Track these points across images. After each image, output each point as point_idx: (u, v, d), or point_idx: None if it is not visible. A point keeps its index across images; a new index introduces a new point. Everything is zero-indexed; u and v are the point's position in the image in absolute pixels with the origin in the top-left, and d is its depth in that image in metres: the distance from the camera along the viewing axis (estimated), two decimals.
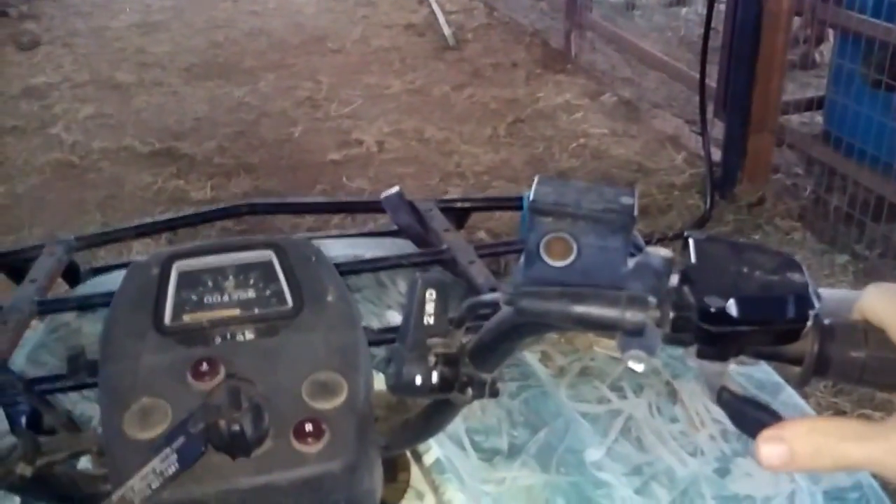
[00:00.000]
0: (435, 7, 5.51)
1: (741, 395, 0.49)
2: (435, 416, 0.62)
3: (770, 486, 0.84)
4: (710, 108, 3.23)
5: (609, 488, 0.82)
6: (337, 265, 1.07)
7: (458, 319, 0.54)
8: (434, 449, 0.74)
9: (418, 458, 0.74)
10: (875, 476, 0.90)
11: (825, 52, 4.09)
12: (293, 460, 0.55)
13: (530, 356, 1.01)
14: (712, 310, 0.43)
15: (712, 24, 3.15)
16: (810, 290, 0.45)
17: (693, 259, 0.47)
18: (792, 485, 0.84)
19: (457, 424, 0.87)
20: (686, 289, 0.45)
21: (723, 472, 0.85)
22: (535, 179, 0.52)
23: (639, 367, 0.47)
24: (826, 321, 0.45)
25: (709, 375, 0.51)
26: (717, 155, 3.22)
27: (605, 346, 1.04)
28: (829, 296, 0.47)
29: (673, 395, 0.94)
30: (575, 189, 0.51)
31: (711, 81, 3.24)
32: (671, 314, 0.45)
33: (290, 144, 4.00)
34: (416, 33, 5.28)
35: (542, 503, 0.80)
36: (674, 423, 0.90)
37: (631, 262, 0.50)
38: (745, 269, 0.46)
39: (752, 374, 0.96)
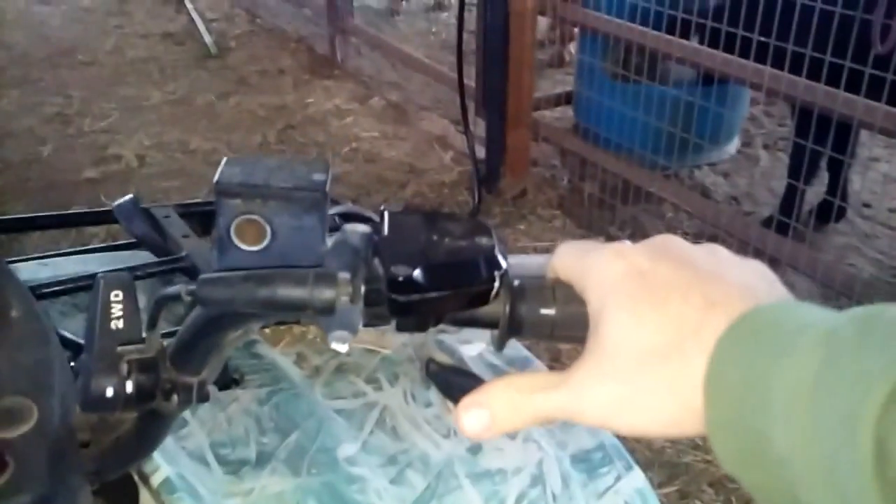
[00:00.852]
0: (194, 15, 5.30)
1: (447, 364, 0.49)
2: (147, 431, 0.56)
3: (519, 458, 0.86)
4: (472, 108, 3.35)
5: (363, 482, 0.80)
6: (62, 282, 0.98)
7: (150, 320, 0.49)
8: (163, 468, 0.68)
9: (146, 479, 0.68)
10: (618, 437, 0.95)
11: (573, 50, 4.38)
12: None
13: (283, 359, 0.97)
14: (399, 279, 0.42)
15: (467, 27, 3.27)
16: (497, 252, 0.45)
17: (385, 231, 0.46)
18: (539, 453, 0.87)
19: (200, 439, 0.81)
20: (376, 261, 0.44)
21: (475, 449, 0.86)
22: (223, 161, 0.49)
23: (342, 348, 0.45)
24: (516, 282, 0.45)
25: (416, 348, 0.50)
26: (481, 152, 3.34)
27: (360, 341, 1.03)
28: (525, 260, 0.48)
29: (427, 381, 0.94)
30: (264, 167, 0.48)
31: (471, 82, 3.36)
32: (363, 288, 0.44)
33: (38, 164, 3.67)
34: (175, 42, 5.04)
35: None
36: (428, 408, 0.90)
37: (330, 241, 0.48)
38: (436, 237, 0.45)
39: (503, 353, 0.98)
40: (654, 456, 2.19)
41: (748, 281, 0.40)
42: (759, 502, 0.35)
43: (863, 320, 0.32)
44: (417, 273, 0.42)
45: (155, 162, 3.65)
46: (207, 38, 4.90)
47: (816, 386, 0.31)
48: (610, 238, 3.04)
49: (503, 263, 0.44)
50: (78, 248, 1.17)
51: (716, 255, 0.42)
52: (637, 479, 0.91)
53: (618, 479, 0.90)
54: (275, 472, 0.80)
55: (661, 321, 0.38)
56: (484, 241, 0.45)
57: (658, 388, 0.37)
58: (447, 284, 0.43)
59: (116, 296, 0.48)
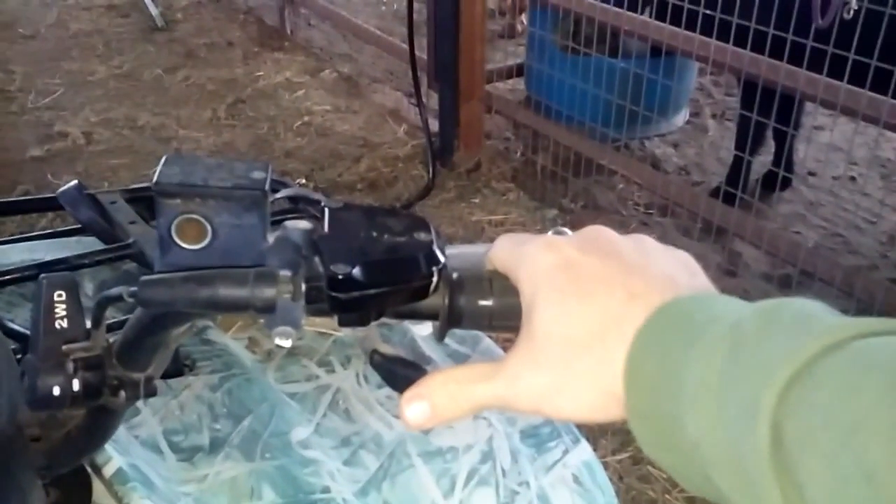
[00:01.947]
0: None
1: (390, 355, 0.50)
2: (96, 425, 0.57)
3: (470, 435, 0.88)
4: (424, 80, 3.34)
5: (316, 465, 0.81)
6: (7, 272, 0.97)
7: (94, 319, 0.49)
8: (115, 458, 0.69)
9: (98, 470, 0.69)
10: None
11: (525, 20, 4.38)
12: None
13: (235, 344, 0.98)
14: (339, 277, 0.43)
15: None
16: (435, 246, 0.46)
17: (325, 228, 0.47)
18: (490, 430, 0.89)
19: (152, 427, 0.82)
20: (316, 259, 0.45)
21: (426, 428, 0.88)
22: (162, 160, 0.49)
23: (286, 343, 0.46)
24: (454, 275, 0.47)
25: (360, 340, 0.51)
26: (435, 125, 3.33)
27: (312, 324, 1.03)
28: (465, 251, 0.49)
29: None
30: (204, 167, 0.48)
31: (423, 54, 3.34)
32: (304, 286, 0.45)
33: None
34: (120, 14, 4.92)
35: (247, 493, 0.77)
36: (380, 389, 0.92)
37: (271, 238, 0.48)
38: (375, 234, 0.46)
39: (453, 331, 0.99)
40: (607, 423, 2.24)
41: (671, 272, 0.42)
42: (678, 482, 0.38)
43: (766, 312, 0.34)
44: (357, 271, 0.44)
45: (102, 139, 3.58)
46: (153, 10, 4.78)
47: (721, 375, 0.34)
48: (562, 209, 3.07)
49: (441, 258, 0.46)
50: (24, 235, 1.15)
51: (642, 247, 0.44)
52: (584, 451, 0.94)
53: (566, 452, 0.93)
54: (228, 457, 0.81)
55: (586, 313, 0.40)
56: (422, 235, 0.46)
57: (583, 377, 0.39)
58: (386, 281, 0.44)
59: (59, 296, 0.49)
